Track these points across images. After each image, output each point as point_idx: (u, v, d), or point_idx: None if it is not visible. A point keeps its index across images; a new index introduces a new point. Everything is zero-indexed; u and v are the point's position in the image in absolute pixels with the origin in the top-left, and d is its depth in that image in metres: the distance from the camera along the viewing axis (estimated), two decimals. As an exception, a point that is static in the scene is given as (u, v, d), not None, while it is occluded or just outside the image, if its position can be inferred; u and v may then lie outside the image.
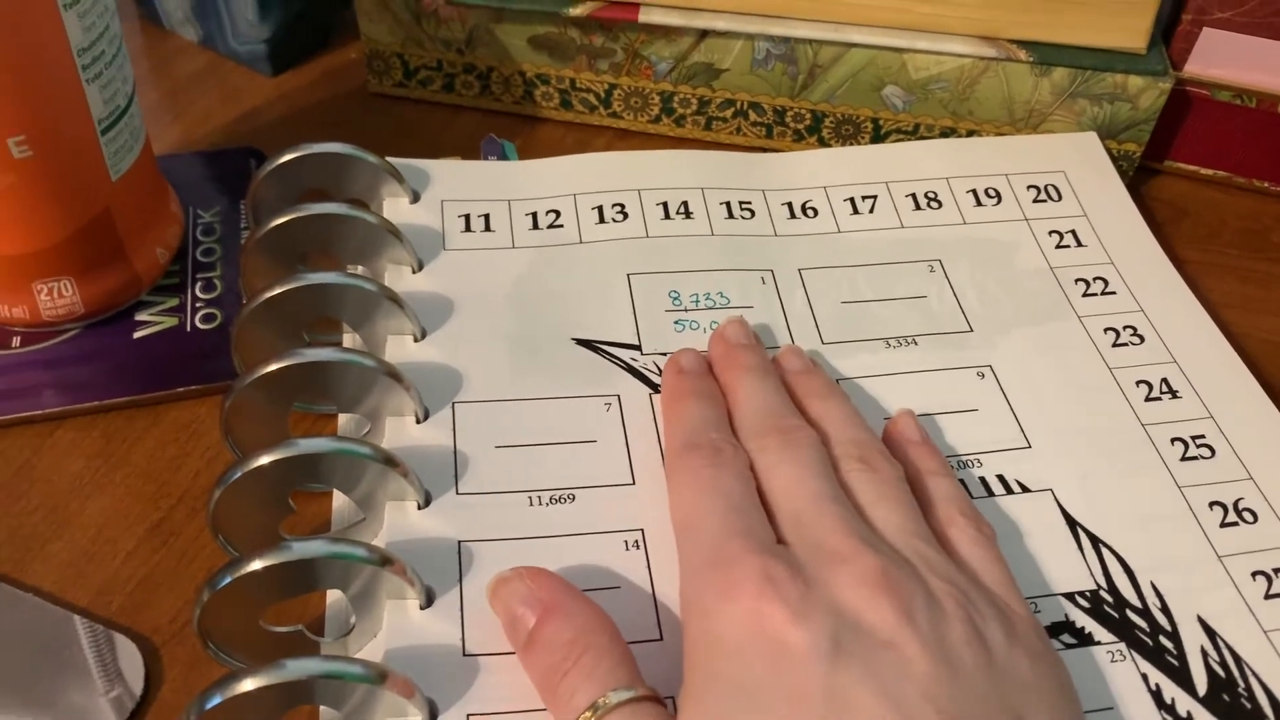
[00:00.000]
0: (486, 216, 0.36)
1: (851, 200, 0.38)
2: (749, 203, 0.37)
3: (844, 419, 0.30)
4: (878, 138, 0.42)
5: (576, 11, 0.40)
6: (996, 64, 0.39)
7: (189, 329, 0.35)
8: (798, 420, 0.29)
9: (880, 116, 0.41)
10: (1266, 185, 0.43)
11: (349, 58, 0.46)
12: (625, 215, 0.36)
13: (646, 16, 0.39)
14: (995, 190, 0.39)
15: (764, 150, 0.43)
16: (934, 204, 0.38)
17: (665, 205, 0.37)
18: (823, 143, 0.42)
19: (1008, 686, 0.23)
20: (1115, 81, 0.39)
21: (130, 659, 0.28)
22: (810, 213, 0.37)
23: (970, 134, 0.41)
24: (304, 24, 0.45)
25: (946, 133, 0.41)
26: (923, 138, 0.42)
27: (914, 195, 0.38)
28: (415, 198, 0.36)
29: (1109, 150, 0.41)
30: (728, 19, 0.40)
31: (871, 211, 0.38)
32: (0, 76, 0.29)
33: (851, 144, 0.42)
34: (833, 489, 0.27)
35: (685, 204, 0.37)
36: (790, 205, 0.38)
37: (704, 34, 0.40)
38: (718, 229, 0.36)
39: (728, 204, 0.37)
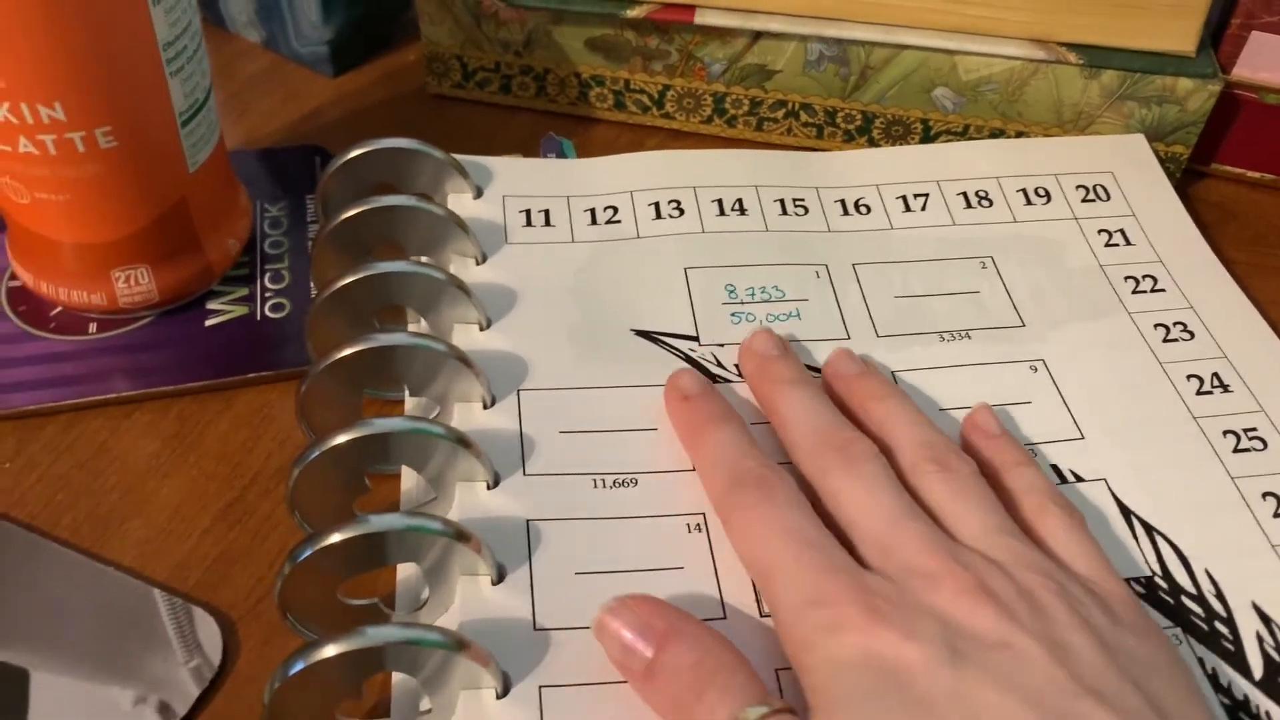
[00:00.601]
0: (546, 212, 0.37)
1: (904, 198, 0.39)
2: (802, 200, 0.38)
3: (908, 420, 0.29)
4: (927, 138, 0.43)
5: (634, 13, 0.41)
6: (1046, 66, 0.40)
7: (259, 318, 0.36)
8: (853, 432, 0.29)
9: (930, 118, 0.42)
10: (1314, 188, 0.43)
11: (408, 59, 0.47)
12: (681, 211, 0.37)
13: (702, 18, 0.40)
14: (1045, 190, 0.39)
15: (815, 150, 0.44)
16: (985, 203, 0.39)
17: (720, 202, 0.37)
18: (873, 143, 0.43)
19: (1124, 661, 0.23)
20: (1164, 84, 0.40)
21: (208, 632, 0.29)
22: (863, 210, 0.38)
23: (1019, 135, 0.42)
24: (365, 26, 0.46)
25: (996, 134, 0.42)
26: (972, 139, 0.42)
27: (965, 194, 0.39)
28: (478, 193, 0.37)
29: (1157, 152, 0.41)
30: (782, 21, 0.40)
31: (924, 209, 0.38)
32: (90, 69, 0.30)
33: (901, 145, 0.43)
34: (907, 505, 0.27)
35: (740, 201, 0.38)
36: (843, 202, 0.38)
37: (758, 36, 0.41)
38: (772, 225, 0.37)
39: (781, 201, 0.38)
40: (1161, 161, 0.41)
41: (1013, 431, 0.32)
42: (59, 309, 0.36)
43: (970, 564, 0.25)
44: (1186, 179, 0.43)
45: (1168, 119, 0.41)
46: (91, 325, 0.36)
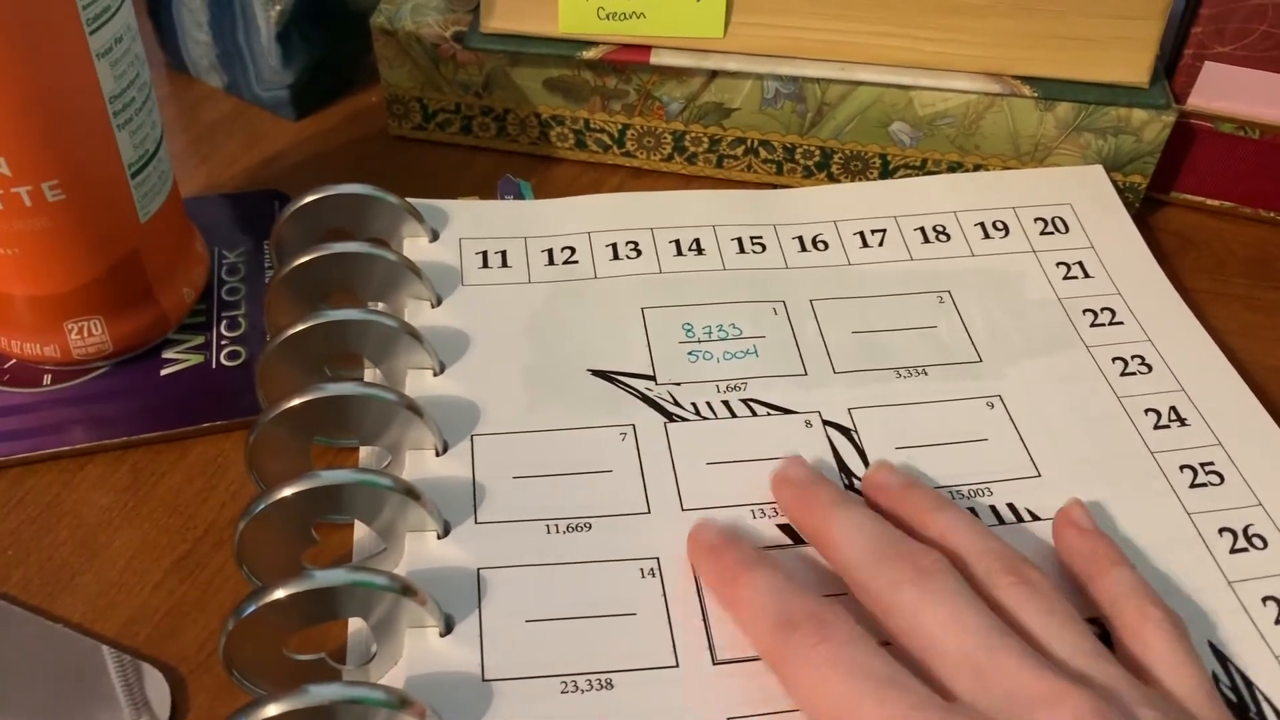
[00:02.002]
0: (503, 253, 0.37)
1: (861, 234, 0.39)
2: (760, 237, 0.38)
3: (973, 530, 0.27)
4: (886, 173, 0.43)
5: (590, 55, 0.41)
6: (1001, 100, 0.40)
7: (214, 366, 0.36)
8: (917, 544, 0.26)
9: (888, 152, 0.42)
10: (1272, 215, 0.43)
11: (369, 101, 0.48)
12: (639, 252, 0.37)
13: (658, 59, 0.41)
14: (1003, 223, 0.39)
15: (775, 187, 0.44)
16: (942, 237, 0.39)
17: (678, 242, 0.38)
18: (832, 178, 0.43)
19: None
20: (1119, 115, 0.40)
21: (157, 688, 0.28)
22: (821, 246, 0.38)
23: (977, 168, 0.42)
24: (325, 70, 0.47)
25: (954, 167, 0.42)
26: (930, 172, 0.42)
27: (922, 229, 0.39)
28: (434, 236, 0.37)
29: (1115, 182, 0.41)
30: (737, 60, 0.41)
31: (881, 245, 0.38)
32: (35, 123, 0.30)
33: (860, 179, 0.43)
34: (995, 621, 0.24)
35: (697, 240, 0.38)
36: (800, 239, 0.38)
37: (714, 74, 0.41)
38: (729, 263, 0.37)
39: (739, 239, 0.38)
40: (1120, 191, 0.41)
41: (969, 469, 0.32)
42: (13, 361, 0.36)
43: (1080, 685, 0.23)
44: (1146, 208, 0.43)
45: (1124, 149, 0.41)
46: (46, 377, 0.36)
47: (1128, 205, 0.41)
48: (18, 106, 0.29)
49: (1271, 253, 0.42)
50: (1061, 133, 0.41)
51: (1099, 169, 0.41)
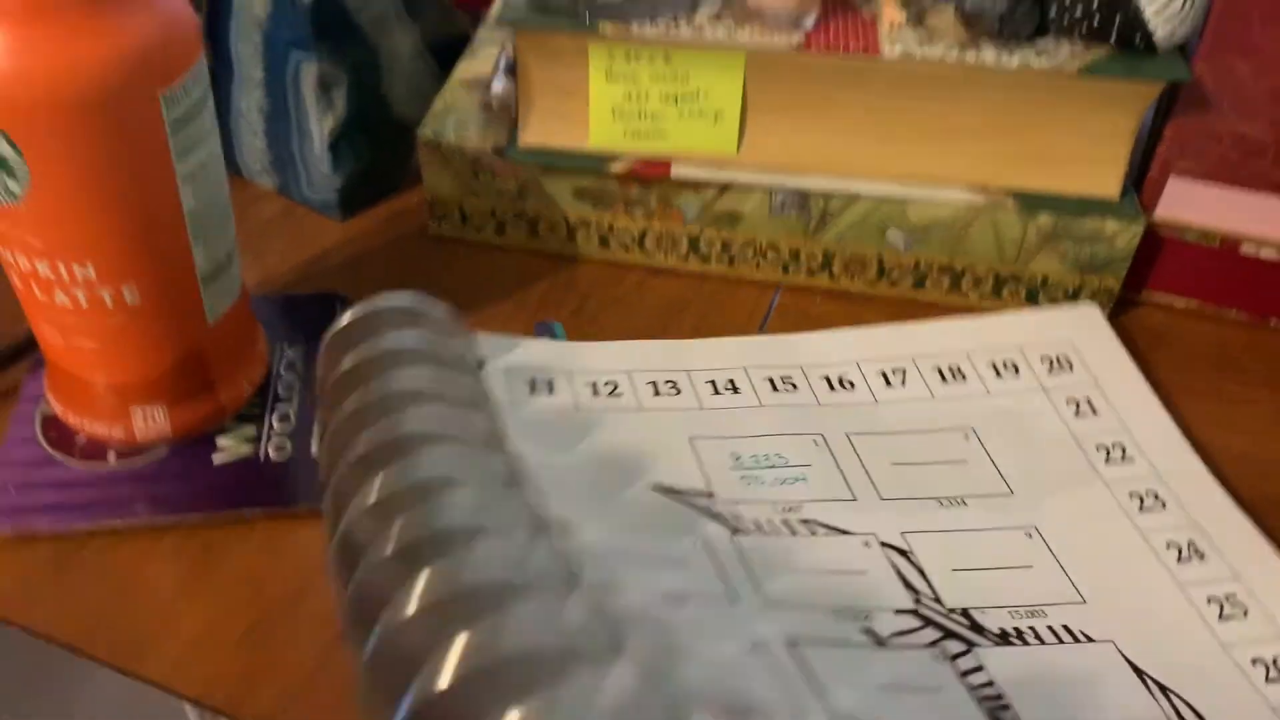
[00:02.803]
0: (550, 382, 0.40)
1: (884, 374, 0.42)
2: (790, 377, 0.41)
3: None
4: (882, 275, 0.47)
5: (617, 168, 0.45)
6: (987, 210, 0.44)
7: (262, 458, 0.39)
8: None
9: (885, 256, 0.46)
10: (1234, 313, 0.47)
11: (411, 203, 0.52)
12: (677, 390, 0.40)
13: (678, 172, 0.45)
14: (1013, 363, 0.42)
15: (781, 286, 0.48)
16: (959, 377, 0.42)
17: (714, 383, 0.41)
18: (833, 278, 0.47)
19: None
20: (1093, 225, 0.44)
21: (235, 743, 0.31)
22: (848, 385, 0.41)
23: (964, 271, 0.46)
24: (372, 174, 0.51)
25: (944, 269, 0.46)
26: (923, 275, 0.47)
27: (939, 369, 0.42)
28: (480, 365, 0.39)
29: (1090, 286, 0.46)
30: (748, 173, 0.45)
31: (903, 384, 0.41)
32: (121, 235, 0.34)
33: (859, 280, 0.47)
34: None
35: (731, 381, 0.41)
36: (828, 379, 0.41)
37: (726, 186, 0.45)
38: (765, 400, 0.40)
39: (770, 379, 0.41)
40: (1095, 293, 0.46)
41: (1020, 594, 0.34)
42: (83, 438, 0.39)
43: None
44: (1120, 308, 0.47)
45: (1099, 256, 0.45)
46: (111, 454, 0.39)
47: (1102, 306, 0.46)
48: (108, 220, 0.33)
49: (1234, 349, 0.46)
50: (1042, 241, 0.45)
51: (1095, 308, 0.45)
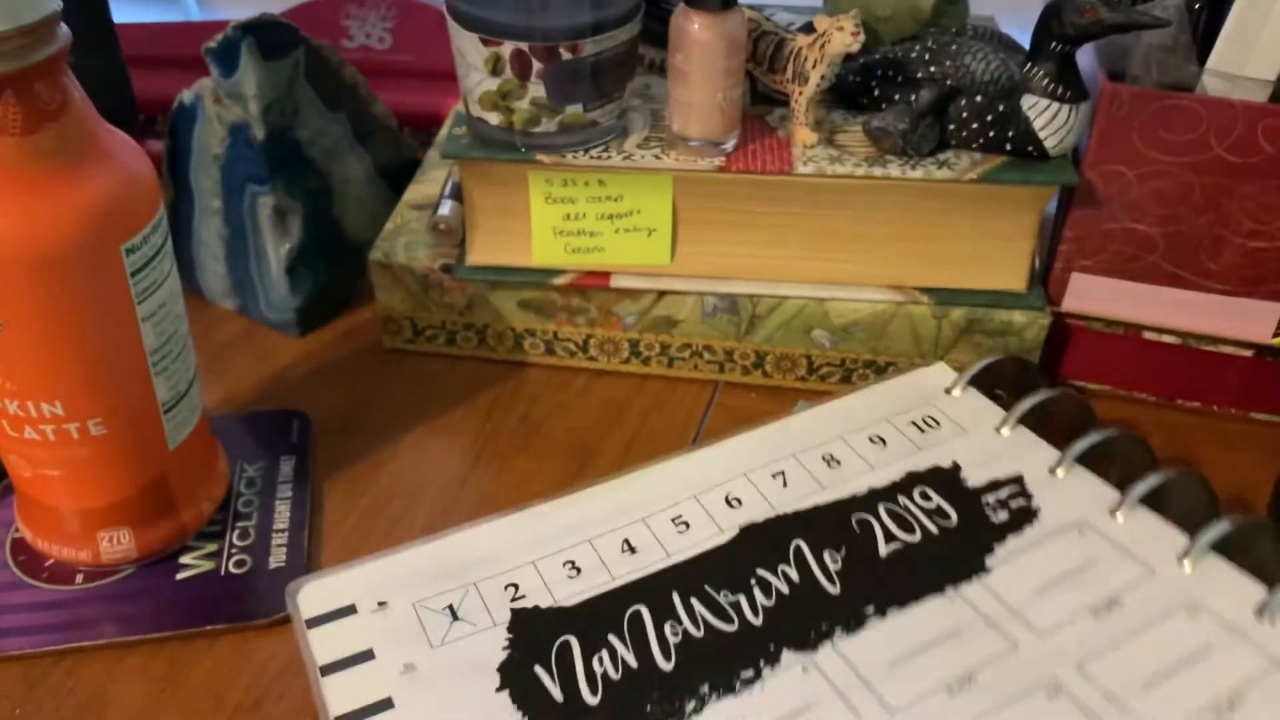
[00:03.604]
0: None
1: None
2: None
3: None
4: (812, 370, 0.50)
5: (560, 281, 0.48)
6: (904, 308, 0.48)
7: (223, 573, 0.41)
8: None
9: (812, 354, 0.49)
10: (1142, 395, 0.50)
11: (365, 318, 0.54)
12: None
13: (617, 282, 0.48)
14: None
15: (718, 383, 0.51)
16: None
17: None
18: (766, 376, 0.50)
19: None
20: (1003, 319, 0.47)
21: None
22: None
23: (888, 365, 0.49)
24: (327, 294, 0.54)
25: (869, 364, 0.49)
26: (850, 370, 0.49)
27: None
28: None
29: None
30: (682, 281, 0.48)
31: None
32: (85, 374, 0.36)
33: (789, 377, 0.50)
34: None
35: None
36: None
37: (662, 294, 0.48)
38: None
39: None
40: (1011, 381, 0.49)
41: None
42: (51, 561, 0.41)
43: None
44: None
45: (1011, 347, 0.48)
46: (79, 576, 0.41)
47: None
48: (74, 363, 0.35)
49: (1145, 428, 0.49)
50: (956, 334, 0.48)
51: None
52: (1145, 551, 0.38)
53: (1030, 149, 0.44)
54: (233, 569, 0.41)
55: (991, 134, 0.45)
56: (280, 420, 0.48)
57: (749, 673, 0.35)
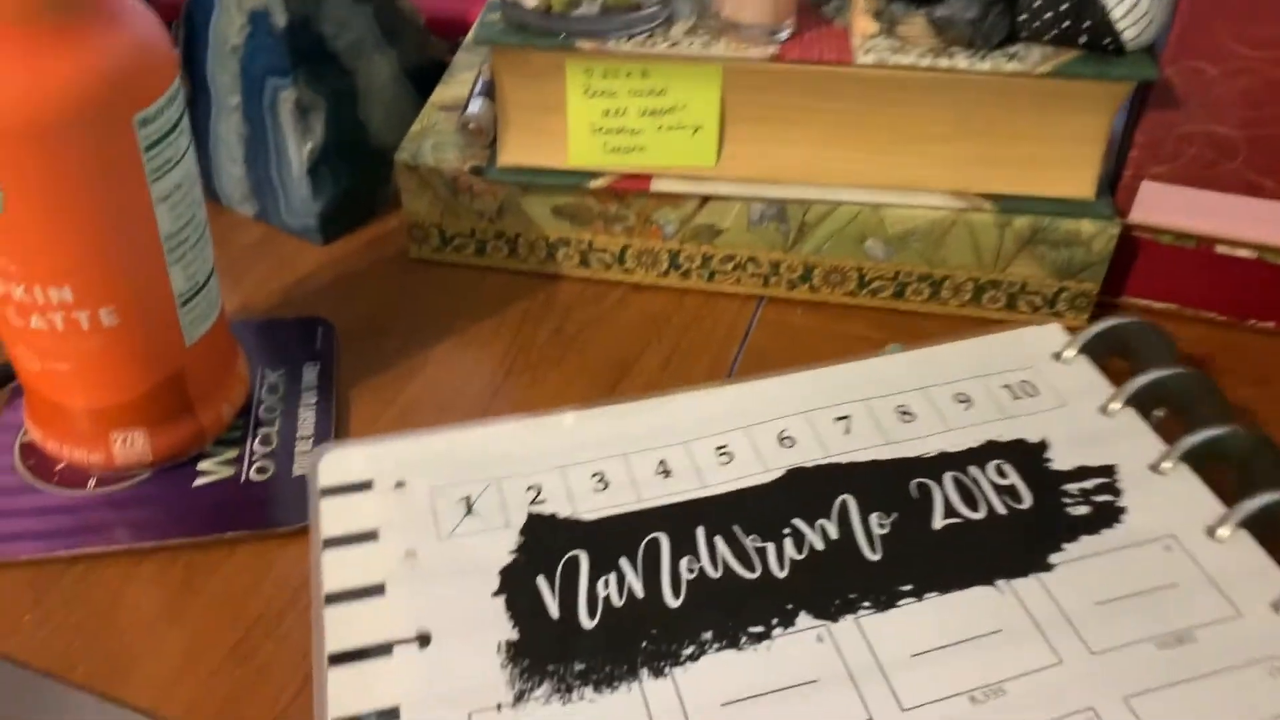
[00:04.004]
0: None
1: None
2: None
3: None
4: (862, 285, 0.47)
5: (598, 184, 0.45)
6: (964, 216, 0.45)
7: (243, 480, 0.39)
8: None
9: (864, 266, 0.47)
10: (1211, 315, 0.48)
11: (390, 227, 0.52)
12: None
13: (657, 186, 0.45)
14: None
15: (762, 299, 0.48)
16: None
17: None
18: (813, 290, 0.48)
19: None
20: (1069, 229, 0.45)
21: (219, 765, 0.31)
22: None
23: (944, 279, 0.46)
24: (351, 199, 0.51)
25: (924, 278, 0.46)
26: (903, 284, 0.47)
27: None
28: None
29: (1067, 289, 0.46)
30: (727, 185, 0.45)
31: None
32: (97, 257, 0.34)
33: (838, 291, 0.47)
34: None
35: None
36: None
37: (706, 199, 0.46)
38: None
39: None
40: (1073, 298, 0.46)
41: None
42: (63, 464, 0.39)
43: None
44: (1098, 311, 0.48)
45: (1076, 259, 0.45)
46: (91, 480, 0.39)
47: (1080, 310, 0.46)
48: (82, 242, 0.33)
49: (1211, 349, 0.46)
50: (1019, 246, 0.45)
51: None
52: (1237, 588, 0.33)
53: (1107, 42, 0.41)
54: (254, 476, 0.39)
55: (1066, 24, 0.41)
56: (303, 327, 0.45)
57: (758, 628, 0.33)
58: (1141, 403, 0.39)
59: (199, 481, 0.39)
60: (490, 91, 0.47)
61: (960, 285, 0.47)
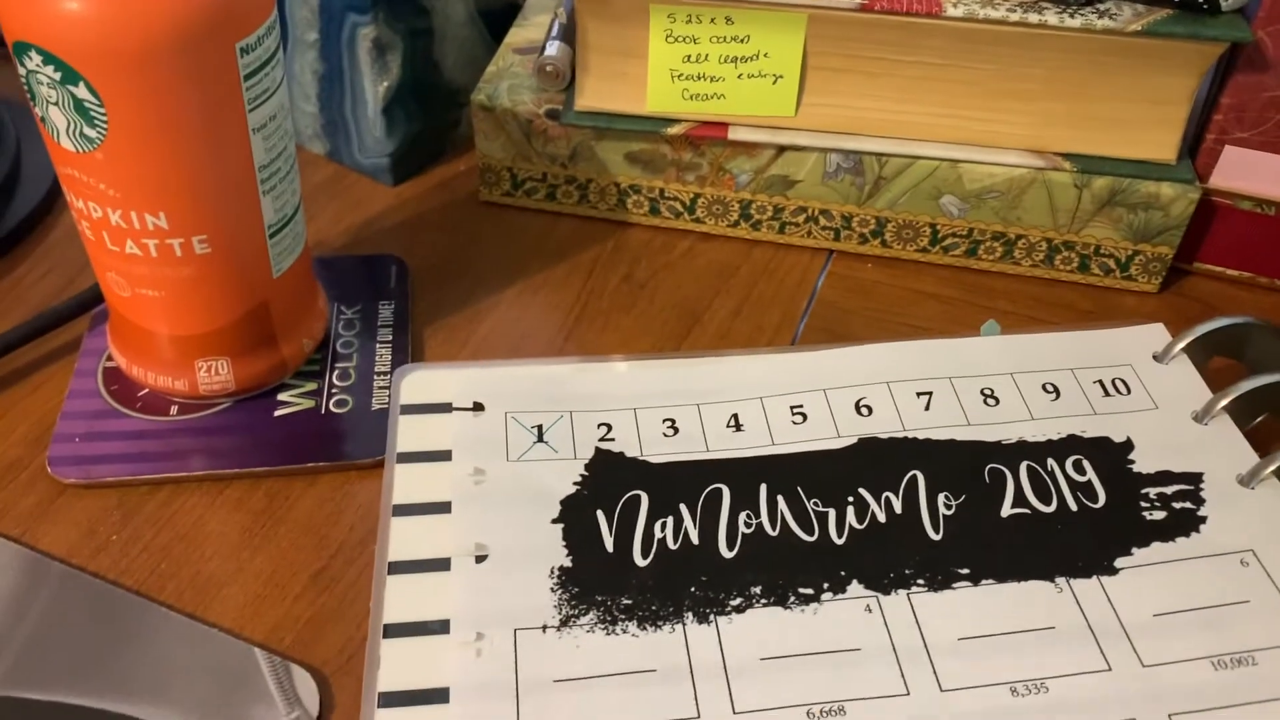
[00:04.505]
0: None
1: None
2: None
3: None
4: (935, 241, 0.47)
5: (674, 131, 0.45)
6: (1042, 176, 0.44)
7: (323, 412, 0.39)
8: None
9: (938, 222, 0.46)
10: (1289, 284, 0.47)
11: (460, 169, 0.52)
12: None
13: (735, 135, 0.45)
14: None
15: (832, 252, 0.48)
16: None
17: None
18: (885, 245, 0.47)
19: None
20: (1149, 191, 0.44)
21: (306, 687, 0.32)
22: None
23: (1018, 239, 0.46)
24: (423, 139, 0.51)
25: (997, 236, 0.46)
26: (976, 242, 0.46)
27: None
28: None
29: (1143, 253, 0.45)
30: (805, 136, 0.45)
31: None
32: (193, 186, 0.34)
33: (910, 247, 0.47)
34: None
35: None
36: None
37: (782, 149, 0.45)
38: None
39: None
40: (1148, 261, 0.45)
41: None
42: (146, 391, 0.40)
43: None
44: (1172, 276, 0.47)
45: (1153, 223, 0.45)
46: (173, 408, 0.39)
47: (1155, 274, 0.46)
48: (181, 170, 0.33)
49: (1289, 319, 0.46)
50: (1097, 207, 0.45)
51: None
52: None
53: (1201, 1, 0.41)
54: (333, 408, 0.39)
55: (1159, -17, 0.41)
56: (377, 265, 0.46)
57: (808, 590, 0.33)
58: (1242, 408, 0.38)
59: (279, 412, 0.39)
60: (567, 35, 0.47)
61: (1034, 245, 0.46)
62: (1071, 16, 0.41)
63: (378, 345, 0.42)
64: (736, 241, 0.49)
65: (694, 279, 0.47)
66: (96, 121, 0.32)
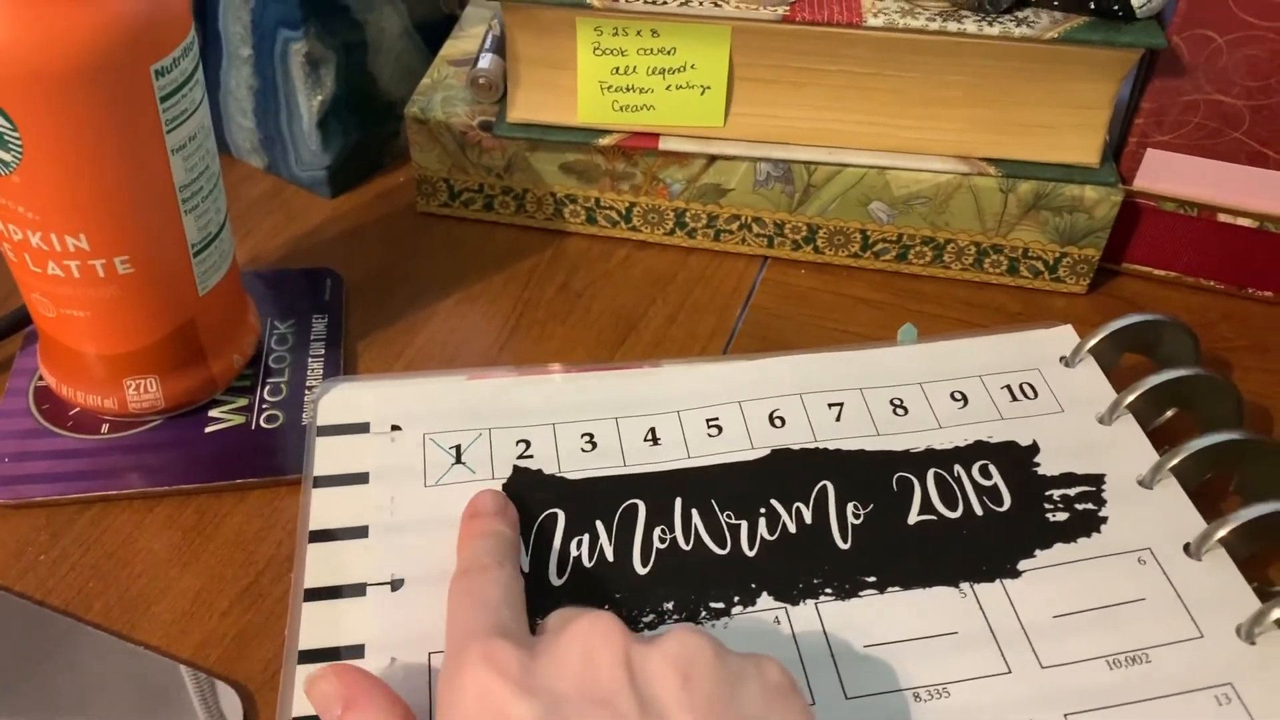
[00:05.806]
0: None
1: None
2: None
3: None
4: (866, 247, 0.47)
5: (606, 142, 0.46)
6: (969, 181, 0.45)
7: (254, 427, 0.40)
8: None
9: (868, 228, 0.47)
10: (1211, 283, 0.48)
11: (398, 180, 0.52)
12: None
13: (665, 145, 0.45)
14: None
15: (766, 259, 0.49)
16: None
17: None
18: (818, 251, 0.48)
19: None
20: (1073, 195, 0.45)
21: (230, 703, 0.32)
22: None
23: (947, 243, 0.47)
24: (360, 152, 0.51)
25: (927, 241, 0.47)
26: (906, 247, 0.47)
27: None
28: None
29: (1069, 255, 0.46)
30: (734, 145, 0.45)
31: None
32: (112, 206, 0.34)
33: (842, 253, 0.48)
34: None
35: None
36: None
37: (713, 159, 0.46)
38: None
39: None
40: (1075, 264, 0.46)
41: None
42: (76, 410, 0.40)
43: None
44: (1100, 277, 0.48)
45: (1079, 226, 0.46)
46: (104, 426, 0.40)
47: (1081, 276, 0.46)
48: (100, 192, 0.33)
49: (1212, 318, 0.47)
50: (1022, 211, 0.46)
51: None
52: (1204, 608, 0.33)
53: (1115, 8, 0.41)
54: (264, 424, 0.40)
55: (1075, -9, 0.42)
56: (311, 278, 0.46)
57: (719, 604, 0.33)
58: (1149, 405, 0.39)
59: (210, 429, 0.40)
60: (500, 47, 0.48)
61: (963, 249, 0.47)
62: (990, 25, 0.41)
63: (309, 359, 0.42)
64: (673, 249, 0.49)
65: (631, 287, 0.47)
66: (11, 145, 0.32)
